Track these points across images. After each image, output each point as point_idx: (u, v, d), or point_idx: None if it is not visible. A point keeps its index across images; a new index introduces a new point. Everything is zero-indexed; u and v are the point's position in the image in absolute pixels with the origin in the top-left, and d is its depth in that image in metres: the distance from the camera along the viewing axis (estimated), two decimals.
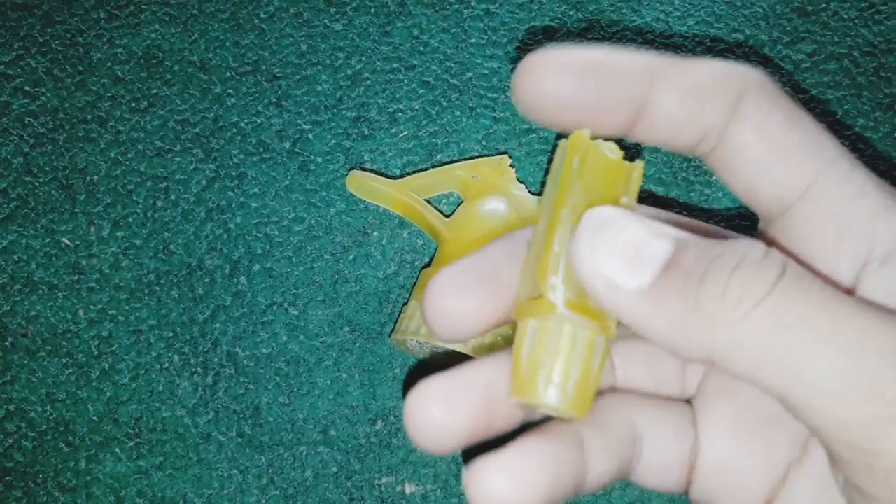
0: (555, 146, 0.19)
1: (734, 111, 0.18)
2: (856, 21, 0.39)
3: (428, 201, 0.36)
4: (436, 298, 0.18)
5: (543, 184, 0.19)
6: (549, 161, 0.38)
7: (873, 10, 0.39)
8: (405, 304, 0.35)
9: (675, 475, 0.20)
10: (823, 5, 0.39)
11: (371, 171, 0.37)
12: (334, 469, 0.35)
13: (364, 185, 0.36)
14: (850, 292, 0.17)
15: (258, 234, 0.37)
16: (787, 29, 0.39)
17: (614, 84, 0.17)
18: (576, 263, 0.17)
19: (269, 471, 0.35)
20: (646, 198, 0.37)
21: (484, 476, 0.17)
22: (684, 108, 0.18)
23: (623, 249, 0.16)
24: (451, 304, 0.18)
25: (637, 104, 0.18)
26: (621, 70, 0.17)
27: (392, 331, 0.35)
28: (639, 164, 0.18)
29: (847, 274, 0.17)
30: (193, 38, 0.38)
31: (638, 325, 0.17)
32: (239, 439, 0.35)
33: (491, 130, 0.38)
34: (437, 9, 0.39)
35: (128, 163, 0.37)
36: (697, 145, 0.18)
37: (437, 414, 0.17)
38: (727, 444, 0.20)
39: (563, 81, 0.17)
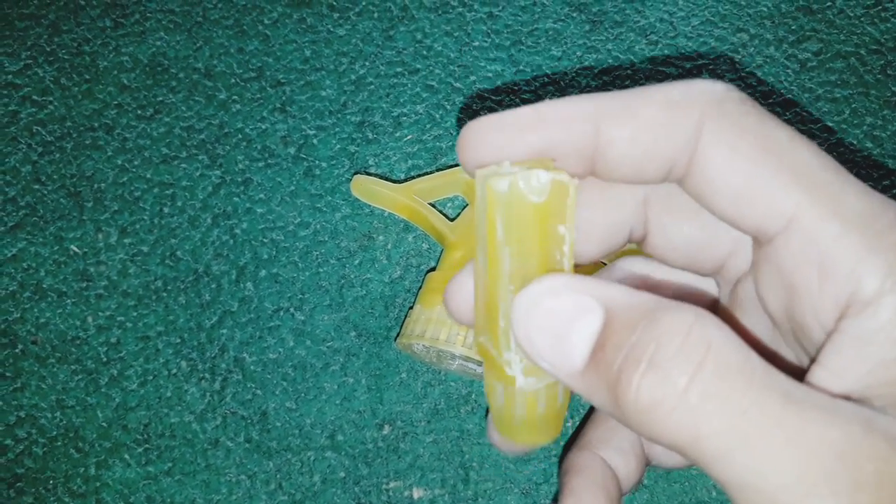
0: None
1: (696, 140, 0.17)
2: (862, 19, 0.39)
3: (433, 205, 0.36)
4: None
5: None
6: None
7: (879, 7, 0.39)
8: (411, 307, 0.35)
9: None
10: (829, 3, 0.39)
11: (376, 175, 0.37)
12: (342, 474, 0.35)
13: (368, 189, 0.36)
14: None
15: (264, 240, 0.37)
16: (793, 28, 0.39)
17: (555, 135, 0.18)
18: (520, 345, 0.18)
19: (277, 476, 0.35)
20: None
21: None
22: (638, 145, 0.17)
23: (553, 332, 0.17)
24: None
25: (586, 149, 0.18)
26: (560, 120, 0.18)
27: (398, 335, 0.35)
28: (571, 184, 0.17)
29: (829, 315, 0.17)
30: (198, 45, 0.39)
31: (583, 396, 0.17)
32: (247, 445, 0.35)
33: None
34: (441, 12, 0.39)
35: (134, 170, 0.37)
36: (667, 177, 0.18)
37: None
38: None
39: (507, 139, 0.18)
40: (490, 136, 0.18)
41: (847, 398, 0.16)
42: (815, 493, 0.14)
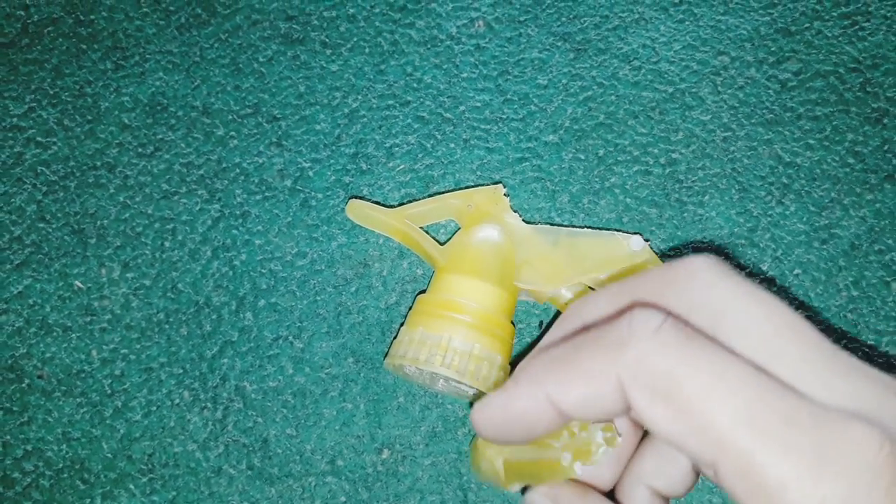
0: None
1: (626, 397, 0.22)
2: (840, 38, 0.40)
3: (426, 229, 0.37)
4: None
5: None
6: (545, 190, 0.39)
7: (857, 26, 0.40)
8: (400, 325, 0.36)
9: None
10: (807, 25, 0.40)
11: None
12: (343, 499, 0.35)
13: (362, 212, 0.37)
14: None
15: (263, 271, 0.38)
16: (772, 49, 0.40)
17: (522, 407, 0.23)
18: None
19: (280, 502, 0.35)
20: (640, 220, 0.38)
21: None
22: (580, 411, 0.22)
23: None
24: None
25: (549, 409, 0.22)
26: (521, 394, 0.23)
27: (386, 354, 0.36)
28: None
29: None
30: (196, 83, 0.40)
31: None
32: (249, 472, 0.36)
33: (485, 160, 0.39)
34: (429, 46, 0.40)
35: (136, 206, 0.39)
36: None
37: None
38: None
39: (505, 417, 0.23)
40: (491, 413, 0.24)
41: None
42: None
